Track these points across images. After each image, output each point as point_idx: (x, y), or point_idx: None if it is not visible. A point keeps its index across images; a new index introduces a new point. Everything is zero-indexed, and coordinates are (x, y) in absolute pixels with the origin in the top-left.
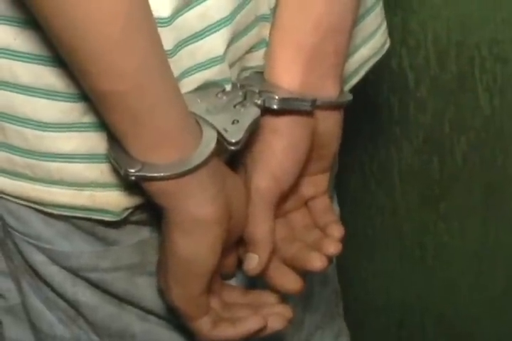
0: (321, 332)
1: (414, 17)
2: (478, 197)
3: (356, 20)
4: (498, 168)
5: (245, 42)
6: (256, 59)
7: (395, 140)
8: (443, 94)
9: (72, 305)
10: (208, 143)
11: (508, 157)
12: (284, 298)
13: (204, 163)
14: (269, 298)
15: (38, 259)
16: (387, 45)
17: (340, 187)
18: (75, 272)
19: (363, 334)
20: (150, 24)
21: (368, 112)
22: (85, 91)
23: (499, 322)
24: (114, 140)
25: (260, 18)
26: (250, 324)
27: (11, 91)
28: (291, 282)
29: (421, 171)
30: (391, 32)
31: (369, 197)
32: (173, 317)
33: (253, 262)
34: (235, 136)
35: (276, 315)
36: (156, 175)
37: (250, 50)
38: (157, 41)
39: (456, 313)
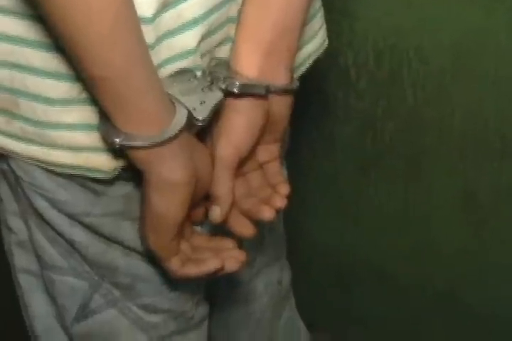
0: (268, 267)
1: (359, 24)
2: (401, 168)
3: (305, 22)
4: (417, 146)
5: (215, 38)
6: (223, 52)
7: (339, 121)
8: (378, 87)
9: (69, 242)
10: (180, 119)
11: (425, 137)
12: (240, 241)
13: (176, 136)
14: (229, 243)
15: (42, 204)
16: (326, 43)
17: (295, 157)
18: (71, 216)
19: (307, 274)
20: (134, 22)
21: (319, 99)
22: (80, 76)
23: (413, 264)
24: (103, 114)
25: (229, 20)
26: (210, 264)
27: (24, 72)
28: (246, 228)
29: (358, 146)
30: (340, 35)
31: (317, 165)
32: (151, 255)
33: (216, 213)
34: (201, 114)
35: (232, 259)
36: (136, 144)
37: (218, 44)
38: (140, 36)
39: (381, 258)
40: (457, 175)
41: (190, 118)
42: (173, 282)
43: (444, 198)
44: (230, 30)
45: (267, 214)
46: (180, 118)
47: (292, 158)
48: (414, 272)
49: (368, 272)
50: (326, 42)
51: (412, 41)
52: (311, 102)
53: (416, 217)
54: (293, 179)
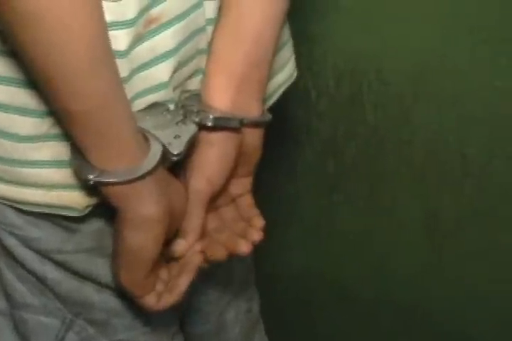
0: (238, 298)
1: (318, 48)
2: (362, 189)
3: (275, 53)
4: (378, 167)
5: (186, 70)
6: (193, 84)
7: (300, 143)
8: (338, 109)
9: (41, 279)
10: (155, 154)
11: (386, 159)
12: (209, 275)
13: (151, 172)
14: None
15: (12, 242)
16: (295, 74)
17: (257, 180)
18: (42, 254)
19: (271, 297)
20: (110, 57)
21: (281, 122)
22: (55, 111)
23: (377, 284)
24: (76, 150)
25: (199, 51)
26: (181, 284)
27: None
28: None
29: (319, 168)
30: (299, 59)
31: (278, 187)
32: (124, 291)
33: (180, 246)
34: (177, 148)
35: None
36: (110, 180)
37: (189, 77)
38: (115, 70)
39: (345, 279)
40: (419, 195)
41: (166, 152)
42: (148, 316)
43: (406, 218)
44: (200, 62)
45: (244, 248)
46: (155, 153)
47: (254, 181)
48: (378, 292)
49: (333, 293)
50: (296, 73)
51: (372, 63)
52: (272, 125)
53: (379, 237)
54: (256, 201)
